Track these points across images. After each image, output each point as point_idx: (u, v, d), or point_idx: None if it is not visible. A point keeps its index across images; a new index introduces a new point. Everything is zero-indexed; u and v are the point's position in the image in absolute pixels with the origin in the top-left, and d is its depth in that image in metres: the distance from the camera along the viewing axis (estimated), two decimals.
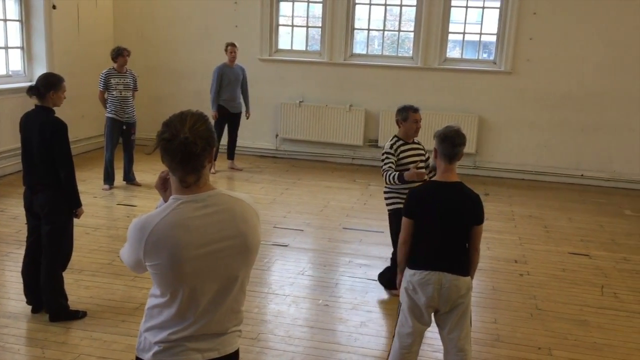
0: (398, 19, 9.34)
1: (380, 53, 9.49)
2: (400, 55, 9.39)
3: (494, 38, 8.95)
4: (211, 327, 2.00)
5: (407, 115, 4.59)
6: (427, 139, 4.76)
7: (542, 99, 8.75)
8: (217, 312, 2.00)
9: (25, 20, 8.20)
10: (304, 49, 9.65)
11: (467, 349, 3.22)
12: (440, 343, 3.39)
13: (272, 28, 9.42)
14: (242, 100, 8.51)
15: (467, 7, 9.01)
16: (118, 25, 9.73)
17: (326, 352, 3.97)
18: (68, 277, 4.42)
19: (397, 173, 4.40)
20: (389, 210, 4.72)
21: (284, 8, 9.57)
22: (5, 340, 3.92)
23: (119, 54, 7.26)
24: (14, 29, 8.19)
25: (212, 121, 8.17)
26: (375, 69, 9.18)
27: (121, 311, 4.35)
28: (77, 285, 4.68)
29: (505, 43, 8.70)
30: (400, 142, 4.59)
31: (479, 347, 4.02)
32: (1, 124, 7.60)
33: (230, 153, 8.71)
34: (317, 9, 9.43)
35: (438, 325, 3.29)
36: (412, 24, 9.11)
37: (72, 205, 4.14)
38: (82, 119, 8.85)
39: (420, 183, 4.03)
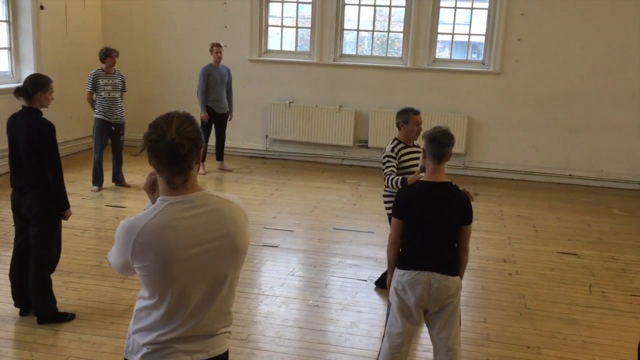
0: (387, 19, 9.36)
1: (369, 54, 9.51)
2: (389, 55, 9.41)
3: (482, 39, 9.00)
4: (200, 329, 2.00)
5: (408, 117, 4.51)
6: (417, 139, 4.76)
7: (531, 100, 8.80)
8: (206, 314, 1.99)
9: (13, 21, 8.14)
10: (294, 49, 9.64)
11: (457, 349, 3.23)
12: (430, 342, 3.40)
13: (262, 29, 9.41)
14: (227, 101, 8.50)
15: (455, 7, 9.05)
16: (106, 26, 9.68)
17: (316, 352, 3.98)
18: (56, 279, 4.39)
19: (400, 178, 4.31)
20: (388, 214, 4.68)
21: (274, 9, 9.57)
22: None
23: (107, 55, 7.22)
24: (1, 30, 8.13)
25: (201, 122, 8.17)
26: (365, 70, 9.20)
27: (110, 313, 4.33)
28: (65, 288, 4.65)
29: (494, 44, 8.75)
30: (401, 145, 4.51)
31: (469, 347, 4.03)
32: None
33: (219, 154, 8.69)
34: (306, 10, 9.43)
35: (427, 325, 3.30)
36: (402, 24, 9.14)
37: (60, 206, 4.11)
38: (70, 120, 8.80)
39: None
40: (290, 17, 9.63)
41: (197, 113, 8.11)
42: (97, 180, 7.39)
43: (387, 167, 4.44)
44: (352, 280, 5.13)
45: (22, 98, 4.04)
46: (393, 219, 3.27)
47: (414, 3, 8.84)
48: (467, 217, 3.20)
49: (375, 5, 9.27)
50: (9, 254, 4.49)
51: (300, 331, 4.26)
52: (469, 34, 9.15)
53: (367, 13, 9.34)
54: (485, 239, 6.23)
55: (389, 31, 9.42)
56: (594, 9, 8.40)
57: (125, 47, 8.72)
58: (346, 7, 9.23)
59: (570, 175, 8.85)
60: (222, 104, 8.41)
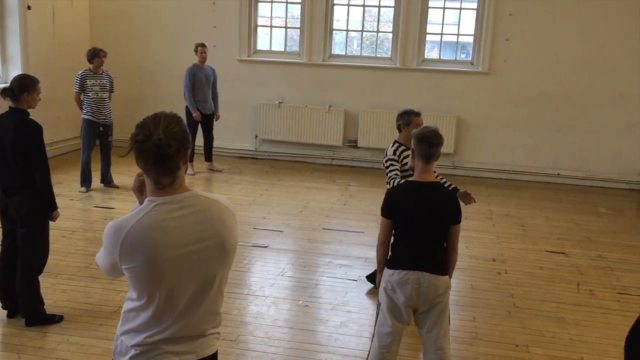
0: (376, 19, 9.38)
1: (359, 54, 9.52)
2: (379, 56, 9.43)
3: (471, 39, 9.04)
4: (189, 330, 1.99)
5: (410, 119, 4.43)
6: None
7: (519, 99, 8.85)
8: (194, 314, 1.99)
9: (0, 21, 8.07)
10: (283, 49, 9.64)
11: (446, 348, 3.25)
12: (420, 342, 3.41)
13: (251, 29, 9.40)
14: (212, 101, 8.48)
15: (444, 8, 9.09)
16: (94, 26, 9.62)
17: (306, 352, 3.98)
18: (44, 280, 4.37)
19: (405, 181, 4.28)
20: None
21: (263, 9, 9.56)
22: None
23: (95, 55, 7.18)
24: None
25: (188, 122, 8.14)
26: (354, 70, 9.21)
27: (99, 315, 4.31)
28: (53, 289, 4.62)
29: (482, 44, 8.79)
30: (402, 147, 4.43)
31: (458, 345, 4.05)
32: None
33: (208, 154, 8.66)
34: (295, 10, 9.43)
35: (417, 324, 3.31)
36: (391, 24, 9.16)
37: (47, 208, 4.09)
38: (58, 120, 8.74)
39: None
40: (279, 17, 9.63)
41: (184, 113, 8.06)
42: (85, 181, 7.35)
43: (390, 171, 4.34)
44: (342, 280, 5.13)
45: (8, 99, 4.02)
46: (382, 218, 3.27)
47: (403, 3, 8.86)
48: (456, 216, 3.21)
49: (364, 6, 9.29)
50: None
51: (290, 331, 4.26)
52: (458, 34, 9.19)
53: (356, 13, 9.36)
54: (474, 238, 6.26)
55: (378, 31, 9.44)
56: (581, 10, 8.46)
57: (113, 48, 8.66)
58: (335, 7, 9.24)
59: (558, 174, 8.91)
60: (208, 104, 8.38)
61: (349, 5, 9.26)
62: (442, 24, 9.11)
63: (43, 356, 3.77)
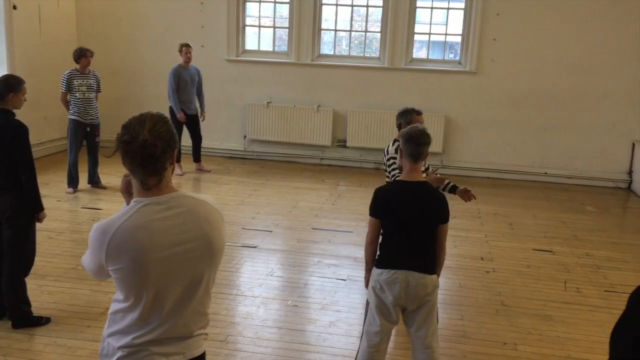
0: (365, 19, 9.40)
1: (347, 54, 9.53)
2: (367, 55, 9.44)
3: (459, 39, 9.07)
4: (176, 331, 1.99)
5: (411, 118, 4.35)
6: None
7: (506, 99, 8.90)
8: (182, 315, 1.98)
9: None
10: (271, 49, 9.63)
11: (434, 346, 3.26)
12: (408, 341, 3.42)
13: (239, 29, 9.38)
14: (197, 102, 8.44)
15: (432, 8, 9.12)
16: (81, 26, 9.55)
17: (296, 352, 3.98)
18: (31, 282, 4.33)
19: (393, 180, 4.27)
20: None
21: (251, 8, 9.54)
22: None
23: (81, 55, 7.13)
24: None
25: (172, 123, 8.10)
26: (343, 70, 9.21)
27: (86, 316, 4.28)
28: (40, 291, 4.59)
29: (470, 43, 8.83)
30: None
31: (446, 344, 4.07)
32: None
33: (197, 155, 8.63)
34: (284, 10, 9.42)
35: (405, 323, 3.32)
36: (379, 24, 9.18)
37: (34, 209, 4.06)
38: (45, 121, 8.67)
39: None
40: (267, 17, 9.61)
41: (168, 114, 8.03)
42: (73, 182, 7.29)
43: (393, 169, 4.26)
44: (331, 279, 5.14)
45: None
46: (370, 218, 3.27)
47: (391, 3, 8.88)
48: (444, 216, 3.23)
49: (352, 5, 9.30)
50: None
51: (279, 331, 4.25)
52: (446, 34, 9.23)
53: (344, 13, 9.37)
54: (462, 237, 6.29)
55: (366, 31, 9.46)
56: (567, 10, 8.52)
57: (100, 47, 8.61)
58: (324, 7, 9.24)
59: (545, 173, 8.97)
60: (192, 105, 8.34)
61: (337, 5, 9.26)
62: (430, 23, 9.15)
63: (30, 358, 3.75)
